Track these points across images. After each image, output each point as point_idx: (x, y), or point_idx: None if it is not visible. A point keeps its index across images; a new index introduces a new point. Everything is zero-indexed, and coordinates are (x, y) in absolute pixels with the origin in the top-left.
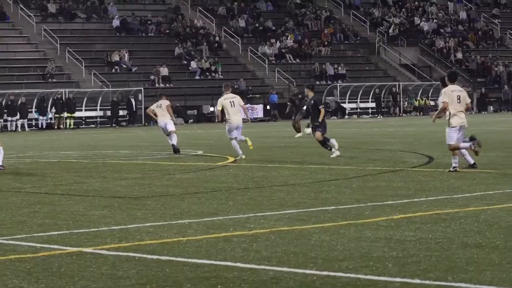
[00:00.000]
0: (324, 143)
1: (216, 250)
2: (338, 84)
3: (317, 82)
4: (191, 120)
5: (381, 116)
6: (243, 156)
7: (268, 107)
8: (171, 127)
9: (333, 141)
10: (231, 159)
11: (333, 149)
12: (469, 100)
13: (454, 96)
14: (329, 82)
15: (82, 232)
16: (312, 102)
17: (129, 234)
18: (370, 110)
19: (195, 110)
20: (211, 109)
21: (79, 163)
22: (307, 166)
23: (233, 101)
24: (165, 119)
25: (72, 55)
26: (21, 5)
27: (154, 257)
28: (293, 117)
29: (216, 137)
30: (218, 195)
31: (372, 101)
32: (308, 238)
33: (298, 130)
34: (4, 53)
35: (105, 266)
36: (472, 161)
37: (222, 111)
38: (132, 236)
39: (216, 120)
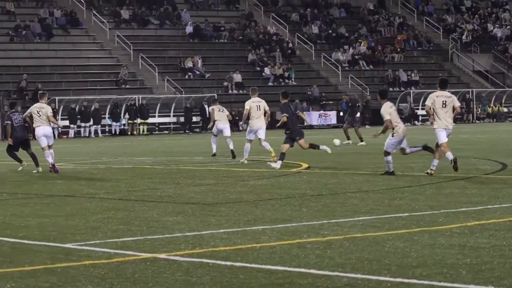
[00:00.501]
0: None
1: (290, 256)
2: (411, 91)
3: (391, 89)
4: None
5: (454, 123)
6: (246, 162)
7: (341, 113)
8: (228, 132)
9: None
10: (305, 165)
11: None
12: (458, 104)
13: (439, 101)
14: (402, 89)
15: (156, 238)
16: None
17: (203, 240)
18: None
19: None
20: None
21: (153, 169)
22: (381, 173)
23: (259, 105)
24: (226, 124)
25: (145, 61)
26: (94, 12)
27: (228, 263)
28: (345, 123)
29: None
30: (291, 201)
31: None
32: (381, 245)
33: (360, 138)
34: (77, 59)
35: (179, 272)
36: (391, 170)
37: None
38: (206, 242)
39: (242, 121)
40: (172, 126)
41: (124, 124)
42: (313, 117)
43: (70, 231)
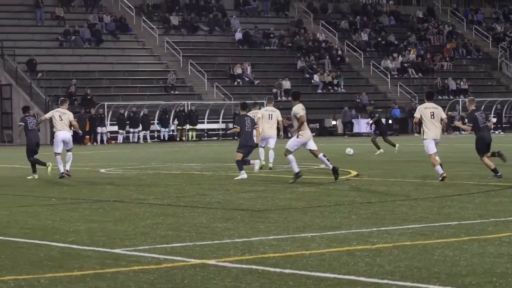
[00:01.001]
0: None
1: (339, 264)
2: (460, 99)
3: (439, 97)
4: (313, 134)
5: (502, 132)
6: (256, 167)
7: (390, 121)
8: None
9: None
10: (353, 173)
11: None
12: (444, 116)
13: (427, 112)
14: (451, 97)
15: (205, 244)
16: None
17: (252, 246)
18: (492, 126)
19: (317, 124)
20: (333, 122)
21: (202, 176)
22: (430, 181)
23: (271, 114)
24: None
25: (194, 67)
26: (143, 17)
27: (277, 270)
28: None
29: (338, 150)
30: (340, 209)
31: (494, 117)
32: (431, 253)
33: (377, 147)
34: (127, 64)
35: (228, 278)
36: (296, 170)
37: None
38: (255, 248)
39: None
40: (221, 132)
41: (173, 130)
42: (361, 125)
43: (119, 236)
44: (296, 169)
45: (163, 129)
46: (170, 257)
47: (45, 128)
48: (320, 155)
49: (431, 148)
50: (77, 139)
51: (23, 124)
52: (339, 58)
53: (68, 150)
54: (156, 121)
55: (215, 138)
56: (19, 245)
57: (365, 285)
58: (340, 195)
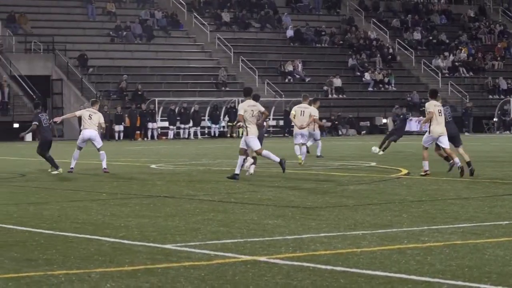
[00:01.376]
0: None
1: (390, 262)
2: (510, 99)
3: (490, 96)
4: (364, 132)
5: None
6: (301, 162)
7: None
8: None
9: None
10: (404, 171)
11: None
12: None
13: (436, 110)
14: (502, 97)
15: (256, 240)
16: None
17: (303, 243)
18: None
19: (368, 122)
20: (384, 120)
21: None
22: (481, 180)
23: (303, 111)
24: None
25: (245, 64)
26: (195, 14)
27: (328, 267)
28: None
29: (389, 149)
30: (391, 207)
31: None
32: (482, 253)
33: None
34: (178, 61)
35: (279, 275)
36: (278, 159)
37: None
38: (306, 246)
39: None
40: (271, 129)
41: (223, 126)
42: (412, 124)
43: (170, 232)
44: (277, 158)
45: (213, 126)
46: (221, 253)
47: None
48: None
49: (446, 143)
50: (128, 135)
51: (36, 123)
52: (390, 56)
53: (99, 149)
54: (206, 117)
55: (266, 135)
56: (69, 239)
57: (416, 284)
58: (391, 193)
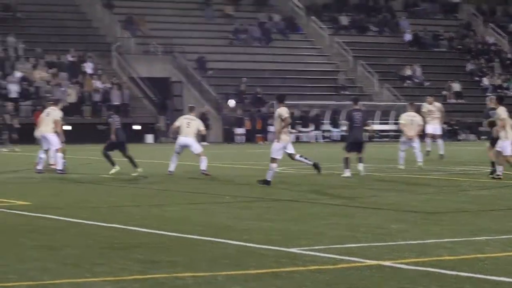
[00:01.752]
0: None
1: None
2: None
3: None
4: (484, 137)
5: None
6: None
7: None
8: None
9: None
10: None
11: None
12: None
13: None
14: None
15: (380, 245)
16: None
17: (427, 249)
18: None
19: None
20: None
21: (374, 176)
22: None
23: (413, 120)
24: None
25: (364, 68)
26: (313, 17)
27: (454, 273)
28: None
29: None
30: None
31: None
32: None
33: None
34: (297, 64)
35: (405, 280)
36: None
37: None
38: (430, 251)
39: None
40: (391, 133)
41: (344, 131)
42: None
43: (294, 235)
44: (270, 178)
45: (334, 129)
46: (346, 258)
47: None
48: (297, 157)
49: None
50: (250, 138)
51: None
52: (508, 61)
53: (198, 155)
54: (328, 121)
55: (386, 139)
56: (194, 242)
57: None
58: None
